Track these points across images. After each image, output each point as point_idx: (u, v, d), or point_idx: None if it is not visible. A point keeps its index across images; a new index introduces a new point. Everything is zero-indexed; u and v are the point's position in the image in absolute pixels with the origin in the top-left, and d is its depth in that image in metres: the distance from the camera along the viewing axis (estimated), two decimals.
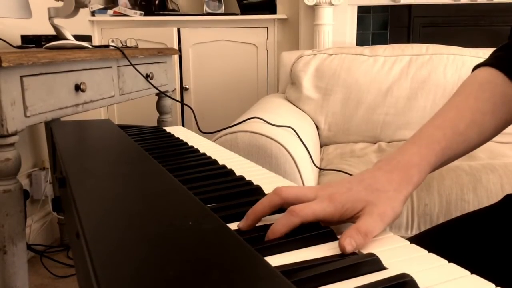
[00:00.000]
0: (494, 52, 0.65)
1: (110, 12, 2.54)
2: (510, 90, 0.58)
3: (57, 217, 2.03)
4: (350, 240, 0.39)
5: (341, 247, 0.39)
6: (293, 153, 1.21)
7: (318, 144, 1.81)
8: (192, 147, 0.78)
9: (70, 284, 1.70)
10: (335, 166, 1.47)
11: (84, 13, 2.44)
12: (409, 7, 2.48)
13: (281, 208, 0.46)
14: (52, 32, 1.46)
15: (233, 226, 0.45)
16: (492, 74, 0.60)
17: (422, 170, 0.51)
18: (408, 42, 2.52)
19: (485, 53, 1.87)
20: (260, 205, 0.45)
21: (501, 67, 0.59)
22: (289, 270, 0.35)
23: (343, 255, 0.39)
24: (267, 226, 0.44)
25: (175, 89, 2.49)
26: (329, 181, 1.38)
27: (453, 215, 1.24)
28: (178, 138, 0.86)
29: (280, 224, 0.42)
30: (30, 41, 1.54)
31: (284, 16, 2.54)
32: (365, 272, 0.36)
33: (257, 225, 0.45)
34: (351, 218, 0.45)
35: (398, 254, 0.39)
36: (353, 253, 0.39)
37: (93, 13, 2.54)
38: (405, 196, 0.48)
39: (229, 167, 0.65)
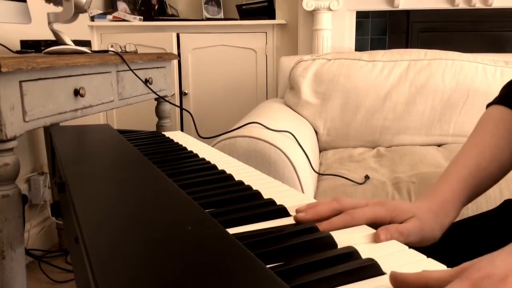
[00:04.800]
0: (502, 89, 0.72)
1: (109, 17, 2.54)
2: None
3: (56, 222, 2.03)
4: (386, 231, 0.45)
5: (376, 235, 0.44)
6: (292, 158, 1.21)
7: (317, 149, 1.81)
8: (191, 152, 0.78)
9: None
10: (333, 171, 1.47)
11: (83, 18, 2.45)
12: (407, 12, 2.49)
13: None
14: (51, 37, 1.46)
15: (232, 230, 0.45)
16: (503, 112, 0.67)
17: (455, 205, 0.58)
18: (406, 47, 2.53)
19: (483, 58, 1.87)
20: (322, 207, 0.50)
21: (510, 104, 0.67)
22: (288, 273, 0.35)
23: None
24: (267, 232, 0.44)
25: (174, 94, 2.49)
26: (328, 185, 1.38)
27: None
28: (177, 143, 0.86)
29: (338, 220, 0.47)
30: (30, 46, 1.54)
31: (283, 21, 2.55)
32: (364, 277, 0.36)
33: (256, 230, 0.45)
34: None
35: (397, 259, 0.39)
36: (354, 257, 0.39)
37: (92, 18, 2.54)
38: (442, 227, 0.55)
39: (228, 172, 0.65)
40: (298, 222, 0.47)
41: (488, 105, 0.71)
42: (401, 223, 0.50)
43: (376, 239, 0.44)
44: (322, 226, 0.46)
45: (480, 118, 0.69)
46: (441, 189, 0.58)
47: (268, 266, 0.35)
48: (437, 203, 0.56)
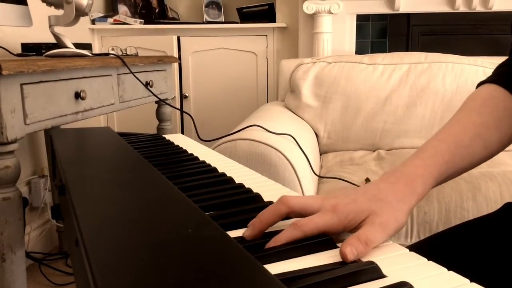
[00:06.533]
0: (496, 69, 0.66)
1: (110, 20, 2.55)
2: None
3: (56, 224, 2.03)
4: (351, 248, 0.39)
5: (342, 255, 0.39)
6: (293, 161, 1.21)
7: (318, 151, 1.81)
8: (191, 154, 0.78)
9: None
10: (334, 174, 1.47)
11: (84, 21, 2.45)
12: (407, 15, 2.49)
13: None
14: (52, 40, 1.46)
15: (232, 233, 0.45)
16: (494, 90, 0.61)
17: (426, 182, 0.51)
18: (407, 50, 2.53)
19: (483, 61, 1.87)
20: (267, 215, 0.45)
21: (503, 83, 0.61)
22: (288, 278, 0.35)
23: (343, 263, 0.39)
24: (268, 234, 0.44)
25: (174, 97, 2.49)
26: (329, 189, 1.38)
27: (452, 223, 1.24)
28: (177, 145, 0.86)
29: (283, 236, 0.42)
30: (30, 49, 1.54)
31: (283, 25, 2.55)
32: (365, 280, 0.36)
33: None
34: (355, 229, 0.45)
35: (397, 262, 0.39)
36: (353, 261, 0.39)
37: (93, 21, 2.55)
38: (409, 207, 0.48)
39: (228, 174, 0.65)
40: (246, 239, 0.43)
41: (480, 84, 0.65)
42: (357, 226, 0.45)
43: (344, 259, 0.39)
44: (269, 243, 0.42)
45: (469, 96, 0.63)
46: (412, 163, 0.52)
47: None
48: (405, 180, 0.50)
